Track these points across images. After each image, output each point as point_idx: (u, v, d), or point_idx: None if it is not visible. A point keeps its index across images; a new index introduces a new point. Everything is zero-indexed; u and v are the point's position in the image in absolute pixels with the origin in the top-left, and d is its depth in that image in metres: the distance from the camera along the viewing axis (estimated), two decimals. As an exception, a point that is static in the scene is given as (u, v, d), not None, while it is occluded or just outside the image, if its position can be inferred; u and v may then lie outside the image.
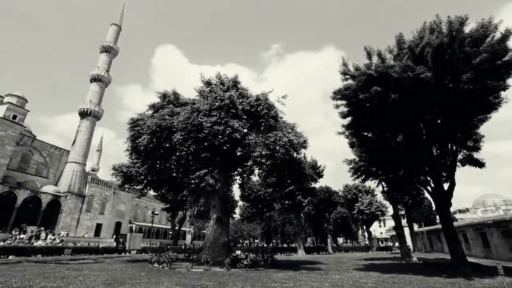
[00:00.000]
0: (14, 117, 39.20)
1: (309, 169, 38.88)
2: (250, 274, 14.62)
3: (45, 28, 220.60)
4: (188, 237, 70.04)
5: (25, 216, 38.88)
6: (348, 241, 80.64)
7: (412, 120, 16.75)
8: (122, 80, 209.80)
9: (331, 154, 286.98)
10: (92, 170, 64.77)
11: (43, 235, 35.98)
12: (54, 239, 35.98)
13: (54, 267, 15.50)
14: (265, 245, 45.57)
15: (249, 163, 17.84)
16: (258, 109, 19.16)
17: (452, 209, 22.21)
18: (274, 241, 71.23)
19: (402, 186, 24.67)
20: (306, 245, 50.05)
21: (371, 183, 28.88)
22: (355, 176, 23.70)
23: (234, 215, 63.93)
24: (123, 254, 31.51)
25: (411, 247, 42.60)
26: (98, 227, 50.94)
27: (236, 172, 21.20)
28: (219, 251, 19.12)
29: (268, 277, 13.42)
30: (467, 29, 14.02)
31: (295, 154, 20.42)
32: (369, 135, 19.42)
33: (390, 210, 36.90)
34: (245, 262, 17.00)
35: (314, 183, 41.75)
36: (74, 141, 50.65)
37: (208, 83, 21.61)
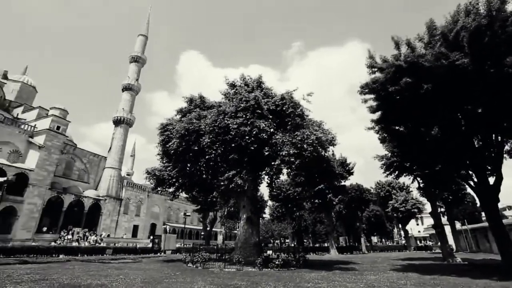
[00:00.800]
0: (58, 128, 42.52)
1: (339, 166, 37.92)
2: (282, 274, 14.55)
3: (81, 43, 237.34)
4: (220, 238, 71.41)
5: (71, 218, 42.04)
6: (383, 240, 77.41)
7: (449, 111, 15.65)
8: (150, 88, 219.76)
9: (360, 151, 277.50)
10: (127, 175, 68.38)
11: (87, 236, 38.69)
12: (97, 240, 38.52)
13: (98, 266, 16.56)
14: (296, 245, 45.17)
15: (276, 163, 17.77)
16: (284, 108, 19.05)
17: (500, 205, 20.39)
18: (305, 240, 70.39)
19: (440, 181, 23.19)
20: (339, 245, 48.80)
21: (405, 179, 27.53)
22: (387, 172, 22.70)
23: (264, 215, 64.01)
24: (158, 254, 32.89)
25: (454, 246, 39.91)
26: (135, 228, 53.62)
27: (264, 172, 21.24)
28: (250, 251, 19.26)
29: (301, 277, 13.27)
30: (510, 7, 12.84)
31: (323, 152, 20.01)
32: (401, 129, 18.48)
33: (428, 207, 34.84)
34: (276, 262, 16.95)
35: (344, 181, 40.65)
36: (110, 147, 53.77)
37: (232, 85, 21.89)
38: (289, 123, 19.06)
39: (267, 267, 16.66)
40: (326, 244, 52.34)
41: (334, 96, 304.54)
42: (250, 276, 13.22)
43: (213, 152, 17.91)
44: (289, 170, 20.74)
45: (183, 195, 32.73)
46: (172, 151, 19.60)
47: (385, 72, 15.50)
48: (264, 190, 67.07)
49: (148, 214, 57.49)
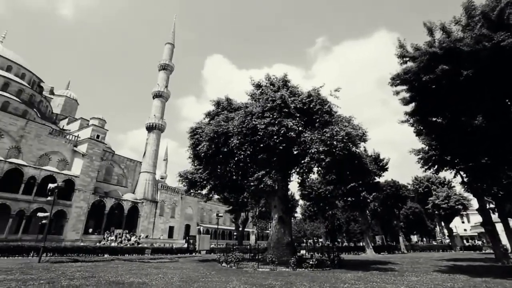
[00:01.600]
0: (98, 136, 45.66)
1: (371, 163, 36.48)
2: (317, 274, 14.30)
3: (113, 55, 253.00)
4: (252, 238, 71.97)
5: (113, 220, 44.96)
6: (424, 239, 72.95)
7: (494, 98, 14.35)
8: (179, 93, 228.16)
9: (394, 145, 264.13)
10: (161, 178, 71.41)
11: (128, 237, 41.05)
12: (136, 241, 40.70)
13: (139, 265, 17.47)
14: (329, 244, 44.12)
15: (306, 160, 17.51)
16: (311, 106, 18.73)
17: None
18: (339, 240, 68.55)
19: (487, 175, 21.31)
20: (375, 244, 46.83)
21: (446, 174, 25.65)
22: (425, 167, 21.36)
23: (296, 215, 63.38)
24: (193, 254, 33.92)
25: (508, 246, 36.48)
26: (171, 229, 55.85)
27: (293, 171, 21.03)
28: (283, 251, 19.17)
29: (336, 277, 12.94)
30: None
31: (354, 149, 19.36)
32: (439, 120, 17.30)
33: (475, 203, 32.19)
34: (310, 262, 16.70)
35: (378, 178, 38.99)
36: (144, 153, 56.57)
37: (258, 86, 21.96)
38: (317, 120, 18.69)
39: (300, 267, 16.48)
40: (361, 244, 50.41)
41: (363, 90, 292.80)
42: (284, 276, 13.16)
43: (242, 153, 18.08)
44: (319, 168, 20.31)
45: (215, 196, 33.41)
46: (202, 154, 20.09)
47: (418, 61, 14.61)
48: (294, 189, 66.29)
49: (182, 215, 59.56)
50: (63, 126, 55.00)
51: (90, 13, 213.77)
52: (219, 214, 43.87)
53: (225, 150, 19.05)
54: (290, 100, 18.42)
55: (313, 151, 16.79)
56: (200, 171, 22.88)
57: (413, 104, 16.84)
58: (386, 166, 39.05)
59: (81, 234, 39.29)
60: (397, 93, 16.86)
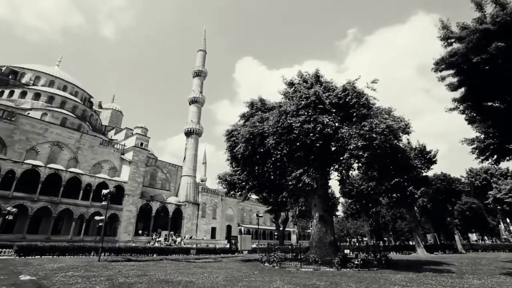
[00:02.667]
0: (141, 144, 48.88)
1: (417, 156, 34.03)
2: (363, 274, 13.69)
3: (150, 65, 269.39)
4: (293, 237, 71.36)
5: (159, 222, 47.76)
6: (486, 238, 66.01)
7: None
8: (213, 98, 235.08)
9: (442, 136, 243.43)
10: (201, 181, 74.10)
11: (174, 239, 43.26)
12: (182, 241, 42.69)
13: (185, 265, 18.28)
14: (375, 243, 42.05)
15: (345, 157, 16.90)
16: (347, 100, 18.06)
17: None
18: (385, 238, 64.99)
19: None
20: (427, 243, 43.52)
21: (509, 164, 22.91)
22: (482, 158, 19.30)
23: (337, 213, 61.55)
24: (236, 254, 34.57)
25: None
26: (213, 230, 57.65)
27: (332, 168, 20.44)
28: (326, 250, 18.71)
29: (385, 278, 12.27)
30: None
31: (395, 142, 18.22)
32: (496, 104, 15.55)
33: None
34: (355, 262, 16.06)
35: (426, 171, 36.21)
36: (184, 157, 59.16)
37: (291, 84, 21.75)
38: (354, 114, 17.95)
39: (345, 267, 15.93)
40: (410, 242, 47.23)
41: (402, 80, 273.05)
42: (328, 276, 12.82)
43: (279, 152, 18.01)
44: (359, 164, 19.45)
45: (254, 196, 33.75)
46: (239, 156, 20.42)
47: (466, 41, 13.32)
48: (335, 187, 64.41)
49: (223, 216, 61.14)
50: (111, 136, 60.01)
51: (129, 32, 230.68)
52: (259, 214, 44.16)
53: (262, 150, 19.14)
54: (325, 96, 17.95)
55: (351, 147, 16.16)
56: (238, 172, 23.25)
57: (462, 89, 15.42)
58: (434, 159, 36.14)
59: (132, 236, 42.32)
60: (443, 78, 15.55)
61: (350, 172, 19.76)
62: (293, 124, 17.09)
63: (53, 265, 14.84)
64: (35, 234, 33.40)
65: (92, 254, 22.92)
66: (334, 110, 17.90)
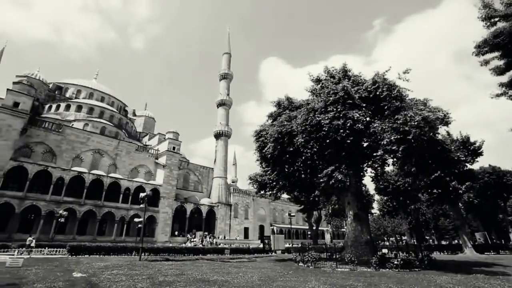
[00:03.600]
0: (173, 148, 50.82)
1: (459, 148, 31.63)
2: (404, 275, 13.00)
3: (178, 72, 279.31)
4: (327, 236, 69.88)
5: (193, 223, 49.28)
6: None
7: None
8: (239, 100, 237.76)
9: (488, 125, 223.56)
10: (232, 182, 75.22)
11: (208, 239, 44.38)
12: (216, 242, 43.68)
13: (220, 264, 18.66)
14: (416, 242, 39.73)
15: (379, 153, 16.19)
16: (377, 93, 17.33)
17: None
18: (427, 237, 61.18)
19: None
20: (475, 242, 40.22)
21: None
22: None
23: (372, 211, 59.22)
24: (269, 254, 34.60)
25: None
26: (246, 230, 58.24)
27: (365, 165, 19.70)
28: (362, 250, 18.06)
29: (428, 280, 11.54)
30: None
31: (432, 134, 17.05)
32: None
33: None
34: (395, 262, 15.31)
35: (471, 164, 33.50)
36: (215, 159, 60.45)
37: (318, 80, 21.34)
38: (386, 107, 17.15)
39: (384, 267, 15.27)
40: (456, 241, 43.97)
41: (438, 68, 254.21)
42: (366, 277, 12.35)
43: (309, 150, 17.75)
44: (394, 159, 18.53)
45: (285, 196, 33.54)
46: (269, 155, 20.42)
47: (512, 19, 12.10)
48: (369, 184, 61.96)
49: (255, 216, 61.53)
50: (145, 142, 63.19)
51: (157, 42, 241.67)
52: (291, 214, 43.82)
53: (291, 149, 18.99)
54: (354, 90, 17.38)
55: (385, 142, 15.45)
56: (268, 172, 23.28)
57: (510, 73, 14.02)
58: (480, 150, 33.34)
59: (169, 236, 44.12)
60: (486, 62, 14.33)
61: (385, 168, 18.90)
62: (322, 121, 16.74)
63: (100, 263, 15.93)
64: (83, 235, 36.22)
65: (133, 253, 24.23)
66: (364, 105, 17.26)
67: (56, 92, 57.24)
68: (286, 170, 21.12)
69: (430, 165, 23.62)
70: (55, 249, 23.19)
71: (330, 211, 50.64)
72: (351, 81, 18.76)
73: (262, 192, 24.97)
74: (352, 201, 19.71)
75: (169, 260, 20.62)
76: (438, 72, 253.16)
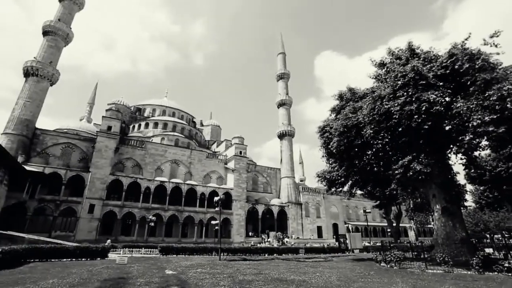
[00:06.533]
0: (240, 152, 53.14)
1: None
2: (521, 280, 10.81)
3: (238, 80, 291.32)
4: (411, 234, 63.17)
5: (265, 224, 50.51)
6: None
7: None
8: (298, 98, 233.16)
9: None
10: (301, 181, 74.32)
11: (283, 240, 44.85)
12: (290, 241, 43.80)
13: (296, 264, 18.59)
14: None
15: (467, 138, 13.95)
16: (456, 67, 15.01)
17: None
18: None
19: None
20: None
21: None
22: None
23: (466, 203, 51.40)
24: (346, 253, 33.01)
25: None
26: (319, 229, 56.94)
27: (450, 151, 17.22)
28: (457, 249, 15.76)
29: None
30: None
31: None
32: None
33: None
34: (505, 264, 12.87)
35: None
36: (281, 160, 60.88)
37: (381, 65, 19.62)
38: (469, 83, 14.66)
39: (490, 270, 12.99)
40: None
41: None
42: (467, 281, 10.72)
43: (379, 142, 16.42)
44: (489, 142, 15.67)
45: (358, 192, 31.55)
46: (335, 151, 19.59)
47: None
48: (458, 171, 53.95)
49: (328, 215, 59.68)
50: (214, 149, 67.73)
51: (215, 55, 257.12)
52: (366, 210, 41.06)
53: (359, 142, 17.90)
54: (426, 69, 15.42)
55: (475, 123, 13.21)
56: (336, 168, 22.35)
57: None
58: None
59: (244, 237, 46.14)
60: None
61: (478, 152, 16.19)
62: (392, 109, 15.30)
63: (186, 262, 17.59)
64: (170, 237, 40.80)
65: (213, 253, 26.04)
66: (441, 83, 15.12)
67: (137, 113, 66.24)
68: (356, 164, 19.89)
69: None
70: (149, 249, 26.55)
71: (411, 206, 45.62)
72: (421, 59, 16.66)
73: (332, 189, 24.03)
74: (438, 194, 17.41)
75: (246, 260, 21.49)
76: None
